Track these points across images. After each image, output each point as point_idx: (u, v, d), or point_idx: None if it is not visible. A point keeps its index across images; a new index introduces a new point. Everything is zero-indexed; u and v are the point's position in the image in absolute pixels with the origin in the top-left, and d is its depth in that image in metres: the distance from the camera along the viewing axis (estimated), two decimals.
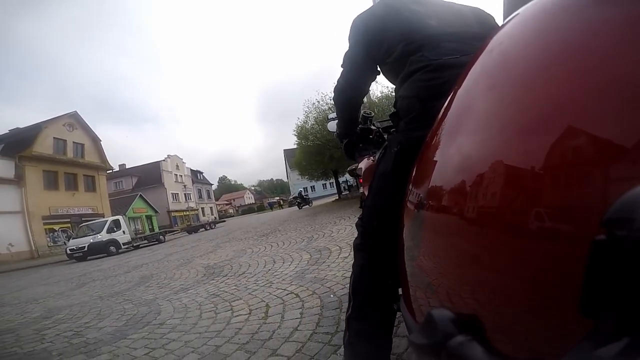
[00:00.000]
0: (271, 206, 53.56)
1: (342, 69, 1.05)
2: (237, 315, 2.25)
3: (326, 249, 4.06)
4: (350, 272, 1.01)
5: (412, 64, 0.83)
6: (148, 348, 1.98)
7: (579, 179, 0.30)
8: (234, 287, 3.13)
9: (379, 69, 1.03)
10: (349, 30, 1.01)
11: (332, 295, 2.24)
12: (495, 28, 0.86)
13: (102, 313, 3.12)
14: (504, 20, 0.54)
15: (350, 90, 1.07)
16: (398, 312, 0.89)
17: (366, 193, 1.22)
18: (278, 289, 2.72)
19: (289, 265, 3.59)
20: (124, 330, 2.44)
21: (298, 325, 1.86)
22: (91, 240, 14.14)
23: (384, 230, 0.89)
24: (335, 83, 1.08)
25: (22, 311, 3.96)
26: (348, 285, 1.03)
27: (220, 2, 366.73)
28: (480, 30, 0.86)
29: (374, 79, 1.06)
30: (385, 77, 1.03)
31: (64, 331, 2.70)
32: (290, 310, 2.14)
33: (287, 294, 2.50)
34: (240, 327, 2.01)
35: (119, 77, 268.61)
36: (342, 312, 1.90)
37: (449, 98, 0.54)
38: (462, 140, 0.47)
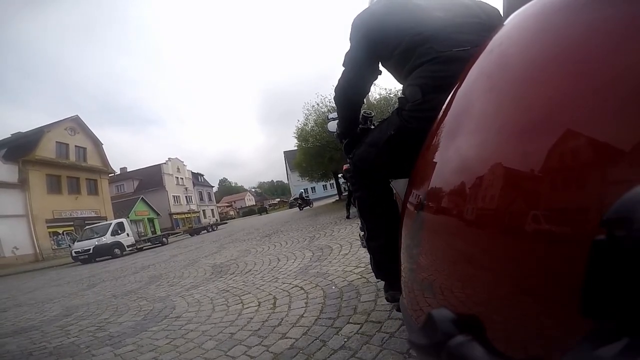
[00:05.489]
0: (259, 211, 50.64)
1: (343, 68, 1.03)
2: (247, 307, 2.47)
3: (327, 247, 4.24)
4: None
5: (420, 56, 0.82)
6: (169, 338, 2.16)
7: (579, 180, 0.30)
8: (242, 283, 3.33)
9: (381, 67, 1.02)
10: (350, 30, 0.99)
11: (333, 287, 2.45)
12: (501, 21, 0.94)
13: (119, 310, 3.29)
14: (503, 20, 0.56)
15: (351, 90, 1.06)
16: (399, 312, 0.94)
17: None
18: (284, 283, 2.93)
19: (293, 262, 3.78)
20: (144, 324, 2.61)
21: (304, 313, 2.08)
22: (96, 243, 14.30)
23: (370, 172, 1.03)
24: (336, 83, 1.06)
25: (41, 310, 4.10)
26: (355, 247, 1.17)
27: (225, 4, 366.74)
28: (489, 21, 0.85)
29: (375, 78, 1.05)
30: (390, 72, 1.01)
31: (87, 327, 2.85)
32: (296, 301, 2.36)
33: (292, 287, 2.71)
34: (251, 317, 2.22)
35: (123, 79, 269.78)
36: (342, 301, 2.12)
37: (448, 99, 0.54)
38: (463, 143, 0.47)
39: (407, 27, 0.86)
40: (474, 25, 0.83)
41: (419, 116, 0.79)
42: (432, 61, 0.79)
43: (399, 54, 0.88)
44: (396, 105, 0.93)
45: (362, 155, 1.04)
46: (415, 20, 0.86)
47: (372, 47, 0.95)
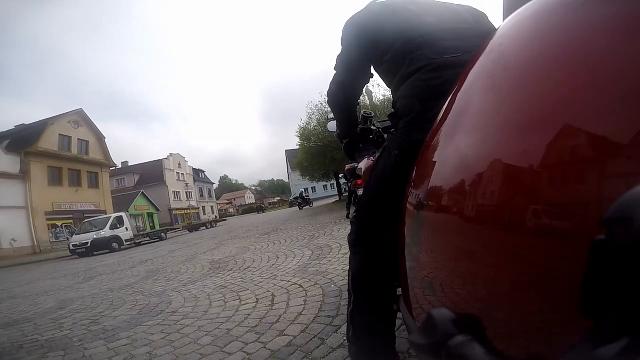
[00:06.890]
0: (257, 210, 49.67)
1: (335, 72, 1.03)
2: (245, 304, 2.42)
3: (327, 246, 4.21)
4: (348, 268, 1.05)
5: (411, 63, 0.81)
6: (164, 333, 2.12)
7: (579, 179, 0.30)
8: (240, 279, 3.29)
9: (373, 71, 1.01)
10: (341, 33, 0.99)
11: (332, 286, 2.42)
12: (490, 26, 0.94)
13: (114, 304, 3.26)
14: (503, 20, 0.55)
15: (343, 94, 1.06)
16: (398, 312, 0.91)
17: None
18: (282, 280, 2.89)
19: (292, 260, 3.75)
20: (139, 318, 2.57)
21: (302, 311, 2.04)
22: (94, 237, 14.30)
23: (378, 227, 0.93)
24: (329, 87, 1.06)
25: (35, 303, 4.06)
26: (347, 279, 1.08)
27: (229, 2, 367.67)
28: (479, 27, 0.86)
29: (367, 81, 1.04)
30: (382, 77, 1.01)
31: (81, 320, 2.81)
32: (294, 298, 2.32)
33: (291, 285, 2.67)
34: (249, 314, 2.18)
35: (127, 75, 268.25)
36: (342, 299, 2.08)
37: (449, 99, 0.54)
38: (463, 141, 0.47)
39: (400, 32, 0.85)
40: (464, 31, 0.83)
41: (420, 127, 0.74)
42: (425, 68, 0.78)
43: (391, 59, 0.88)
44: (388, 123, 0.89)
45: (372, 196, 0.96)
46: (407, 26, 0.85)
47: (364, 50, 0.95)
